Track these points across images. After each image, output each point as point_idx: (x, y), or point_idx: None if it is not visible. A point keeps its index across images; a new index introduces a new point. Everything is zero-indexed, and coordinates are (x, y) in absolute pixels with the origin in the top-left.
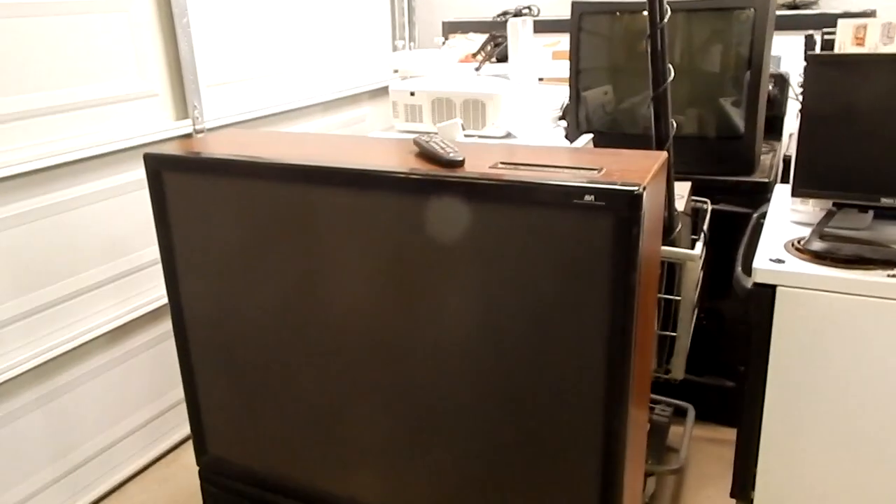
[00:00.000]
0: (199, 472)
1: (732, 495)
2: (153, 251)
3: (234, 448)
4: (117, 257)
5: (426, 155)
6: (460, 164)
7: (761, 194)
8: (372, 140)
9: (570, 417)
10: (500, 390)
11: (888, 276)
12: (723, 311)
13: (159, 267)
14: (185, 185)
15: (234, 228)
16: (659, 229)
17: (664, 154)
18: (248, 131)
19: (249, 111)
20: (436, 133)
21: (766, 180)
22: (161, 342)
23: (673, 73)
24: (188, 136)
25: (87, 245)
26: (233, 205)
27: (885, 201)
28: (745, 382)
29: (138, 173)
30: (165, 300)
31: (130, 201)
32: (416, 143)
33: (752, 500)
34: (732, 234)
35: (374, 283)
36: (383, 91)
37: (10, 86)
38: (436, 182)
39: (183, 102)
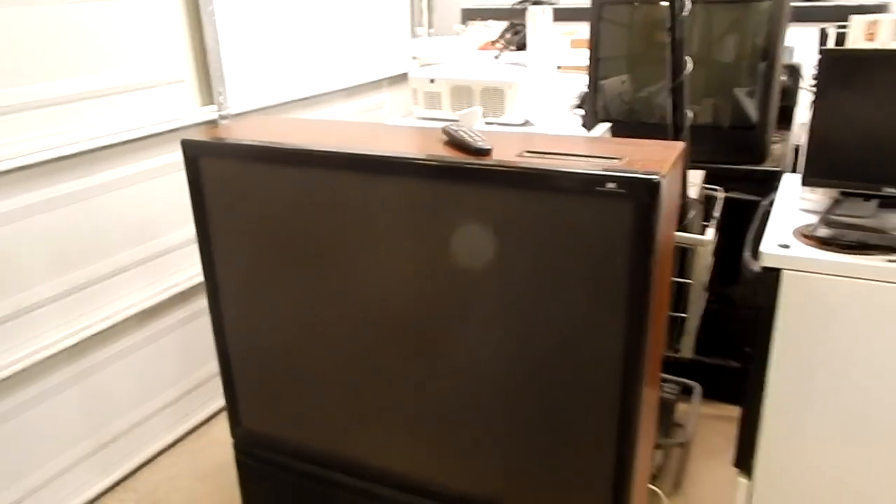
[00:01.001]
0: (234, 444)
1: (735, 465)
2: (182, 234)
3: (268, 421)
4: (147, 240)
5: (455, 143)
6: (488, 152)
7: (771, 182)
8: (401, 128)
9: (588, 393)
10: (523, 367)
11: (888, 261)
12: (731, 296)
13: (188, 249)
14: (221, 170)
15: (269, 211)
16: (674, 216)
17: (682, 144)
18: (279, 118)
19: (272, 97)
20: (456, 120)
21: (777, 169)
22: (190, 322)
23: (691, 65)
24: (213, 121)
25: (118, 228)
26: (269, 189)
27: (888, 190)
28: (750, 361)
29: (166, 158)
30: (194, 282)
31: (159, 185)
32: (444, 131)
33: (752, 470)
34: (743, 222)
35: (404, 264)
36: (402, 78)
37: (42, 73)
38: (468, 170)
39: (208, 88)
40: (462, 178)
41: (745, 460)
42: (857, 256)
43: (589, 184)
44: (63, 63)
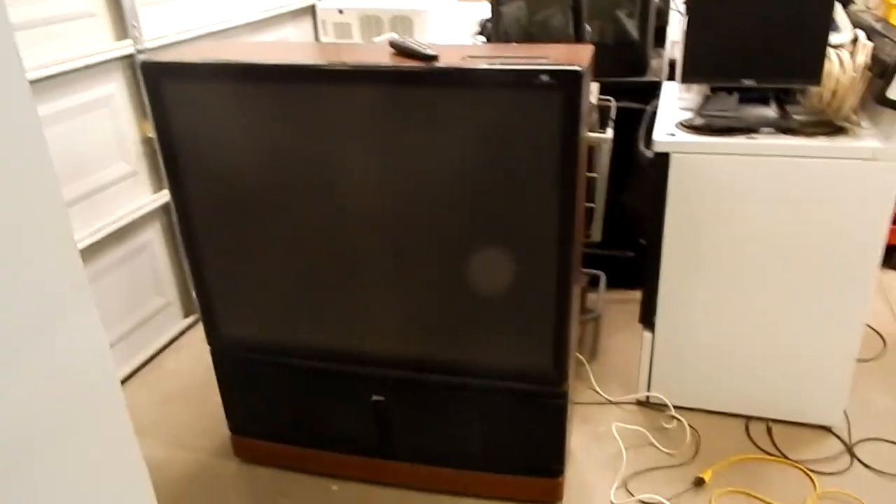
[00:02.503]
0: (211, 350)
1: (640, 321)
2: (113, 171)
3: (243, 324)
4: (78, 179)
5: (404, 53)
6: (436, 58)
7: (653, 92)
8: (349, 45)
9: (535, 259)
10: (475, 246)
11: (747, 138)
12: (623, 201)
13: (121, 186)
14: (183, 90)
15: (234, 125)
16: (589, 116)
17: (591, 46)
18: (222, 42)
19: (183, 31)
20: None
21: (657, 80)
22: (131, 259)
23: None
24: (130, 56)
25: None
26: (234, 104)
27: (747, 82)
28: (647, 230)
29: (87, 95)
30: (131, 218)
31: (83, 123)
32: (391, 44)
33: (654, 324)
34: (628, 132)
35: (366, 163)
36: (303, 12)
37: None
38: (427, 73)
39: (121, 22)
40: (420, 81)
41: (648, 317)
42: (725, 138)
43: (526, 77)
44: None
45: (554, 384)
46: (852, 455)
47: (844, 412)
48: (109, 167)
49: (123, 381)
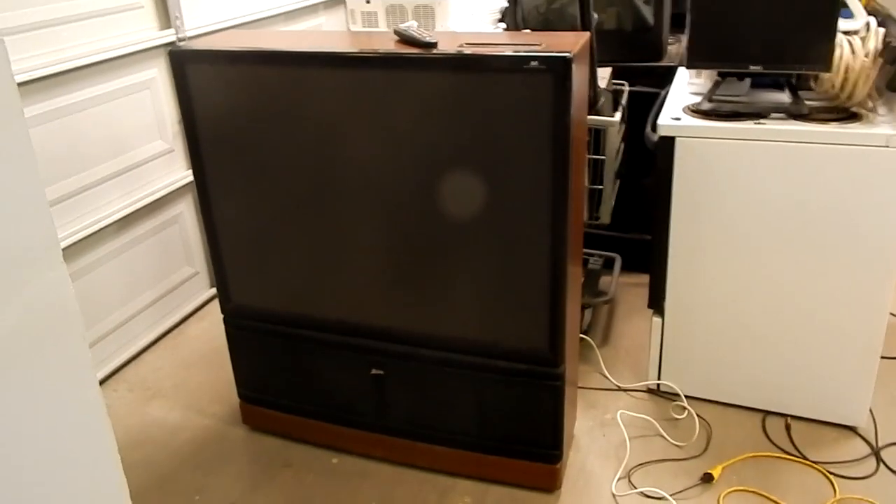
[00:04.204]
0: (224, 318)
1: (649, 306)
2: (151, 148)
3: (252, 295)
4: (119, 154)
5: (407, 41)
6: (435, 45)
7: (669, 77)
8: (357, 33)
9: (529, 233)
10: (471, 220)
11: (755, 123)
12: (644, 183)
13: (158, 162)
14: (206, 75)
15: (251, 108)
16: (584, 100)
17: (587, 34)
18: (246, 31)
19: (222, 21)
20: None
21: (673, 64)
22: (163, 229)
23: None
24: (172, 44)
25: (92, 144)
26: (251, 88)
27: (753, 68)
28: (656, 218)
29: (133, 78)
30: (166, 191)
31: (127, 104)
32: (395, 32)
33: (664, 309)
34: (645, 115)
35: (371, 143)
36: (334, 2)
37: (15, 0)
38: (425, 59)
39: (165, 13)
40: (416, 66)
41: (656, 301)
42: (732, 122)
43: (517, 63)
44: None
45: (549, 365)
46: (879, 459)
47: (871, 412)
48: (148, 144)
49: (149, 346)
